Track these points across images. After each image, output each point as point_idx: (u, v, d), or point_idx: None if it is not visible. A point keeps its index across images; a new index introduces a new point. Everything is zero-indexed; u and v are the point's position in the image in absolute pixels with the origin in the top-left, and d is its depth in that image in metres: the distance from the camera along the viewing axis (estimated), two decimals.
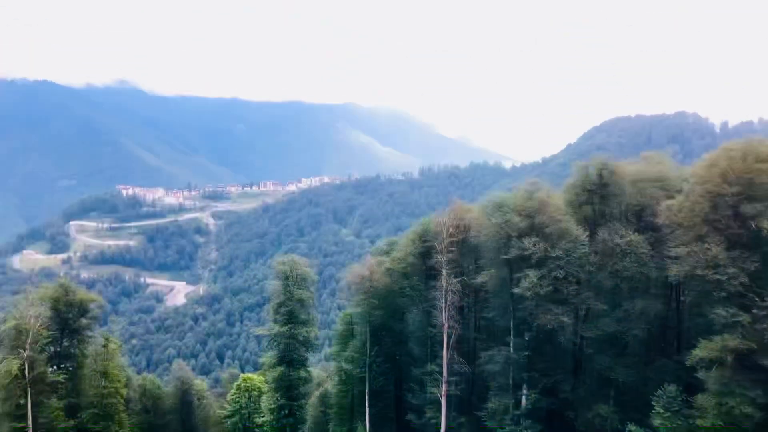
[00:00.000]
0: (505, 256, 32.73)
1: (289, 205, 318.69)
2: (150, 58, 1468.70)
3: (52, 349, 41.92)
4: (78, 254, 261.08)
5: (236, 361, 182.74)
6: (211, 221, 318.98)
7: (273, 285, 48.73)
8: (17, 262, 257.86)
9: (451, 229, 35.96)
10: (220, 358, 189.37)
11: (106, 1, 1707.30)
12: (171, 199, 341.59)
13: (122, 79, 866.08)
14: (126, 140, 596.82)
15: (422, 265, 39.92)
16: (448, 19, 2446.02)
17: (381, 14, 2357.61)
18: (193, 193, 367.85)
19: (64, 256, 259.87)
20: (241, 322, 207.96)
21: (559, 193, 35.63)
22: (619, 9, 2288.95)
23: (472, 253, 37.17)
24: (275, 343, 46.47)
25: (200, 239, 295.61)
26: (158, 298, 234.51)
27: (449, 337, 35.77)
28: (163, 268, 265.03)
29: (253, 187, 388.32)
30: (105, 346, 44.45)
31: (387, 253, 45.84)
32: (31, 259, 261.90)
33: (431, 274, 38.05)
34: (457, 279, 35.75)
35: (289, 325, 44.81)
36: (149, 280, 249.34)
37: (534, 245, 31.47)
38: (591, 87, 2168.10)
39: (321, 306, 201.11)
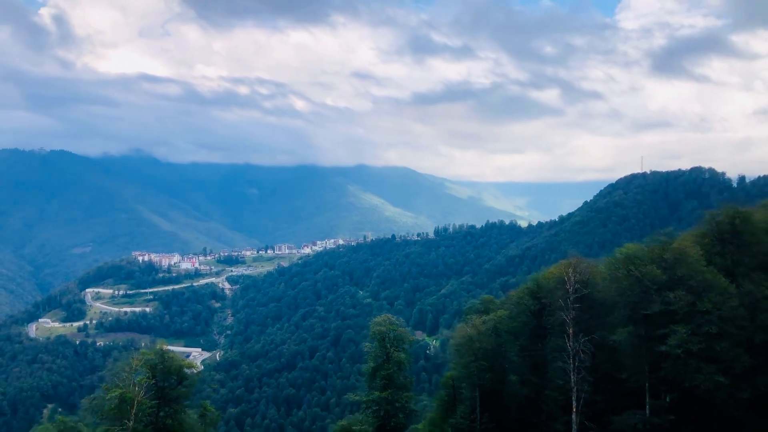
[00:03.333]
0: (644, 312, 30.54)
1: (304, 267, 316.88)
2: (163, 127, 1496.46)
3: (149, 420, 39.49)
4: (94, 321, 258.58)
5: (256, 429, 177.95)
6: (226, 285, 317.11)
7: (369, 347, 46.62)
8: (33, 330, 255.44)
9: (576, 285, 33.50)
10: (239, 425, 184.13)
11: (119, 79, 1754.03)
12: (186, 265, 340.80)
13: (137, 148, 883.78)
14: (141, 207, 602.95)
15: (535, 324, 37.43)
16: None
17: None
18: (208, 257, 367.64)
19: (80, 323, 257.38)
20: (260, 388, 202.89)
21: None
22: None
23: (597, 309, 34.61)
24: (371, 411, 43.47)
25: (216, 304, 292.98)
26: None
27: (578, 400, 33.32)
28: (179, 334, 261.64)
29: (268, 251, 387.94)
30: (202, 415, 42.22)
31: (485, 311, 43.59)
32: (47, 327, 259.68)
33: (543, 333, 35.68)
34: (586, 337, 33.22)
35: (389, 390, 41.87)
36: (165, 347, 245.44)
37: (679, 299, 29.35)
38: (600, 144, 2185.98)
39: (341, 371, 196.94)
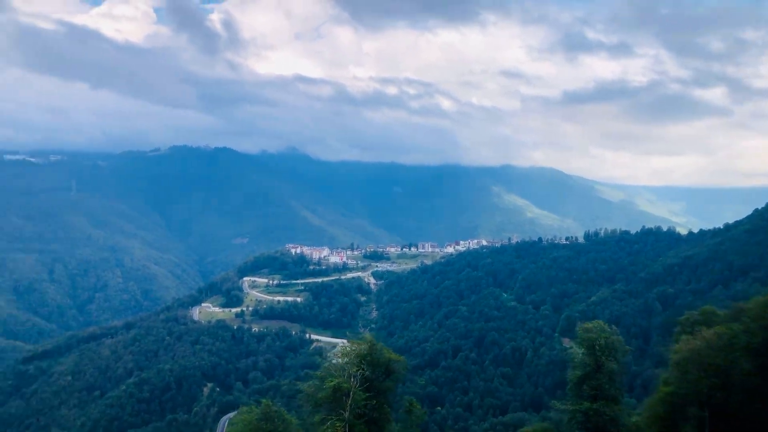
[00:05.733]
0: None
1: (447, 267, 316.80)
2: (316, 126, 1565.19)
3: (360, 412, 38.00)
4: (250, 308, 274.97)
5: (397, 424, 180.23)
6: (371, 280, 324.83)
7: (575, 354, 43.63)
8: (196, 313, 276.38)
9: None
10: None
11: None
12: (335, 258, 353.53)
13: (292, 146, 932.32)
14: (293, 202, 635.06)
15: None
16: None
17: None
18: (355, 252, 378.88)
19: (237, 309, 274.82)
20: (403, 384, 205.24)
21: None
22: None
23: None
24: (577, 422, 40.49)
25: (361, 298, 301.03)
26: (322, 355, 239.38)
27: None
28: (326, 324, 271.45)
29: (411, 249, 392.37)
30: (408, 411, 40.53)
31: (704, 323, 40.07)
32: (209, 311, 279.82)
33: None
34: None
35: (600, 402, 38.68)
36: (314, 337, 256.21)
37: None
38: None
39: (483, 372, 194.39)
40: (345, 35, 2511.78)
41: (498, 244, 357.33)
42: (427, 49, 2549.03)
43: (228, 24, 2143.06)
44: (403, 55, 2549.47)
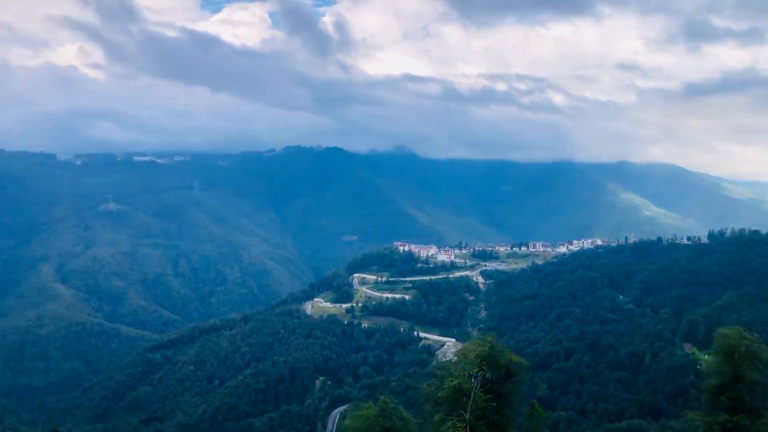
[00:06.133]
0: None
1: (559, 267, 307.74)
2: (424, 124, 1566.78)
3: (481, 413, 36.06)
4: (359, 304, 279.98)
5: (519, 428, 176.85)
6: (480, 279, 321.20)
7: (710, 361, 40.64)
8: (309, 308, 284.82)
9: None
10: None
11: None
12: (443, 257, 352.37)
13: (400, 145, 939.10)
14: (401, 200, 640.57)
15: None
16: None
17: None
18: (463, 251, 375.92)
19: (347, 305, 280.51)
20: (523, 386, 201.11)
21: None
22: None
23: None
24: None
25: (470, 297, 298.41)
26: (430, 353, 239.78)
27: None
28: (434, 323, 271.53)
29: (522, 248, 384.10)
30: (531, 415, 38.26)
31: None
32: (320, 306, 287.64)
33: None
34: None
35: (740, 414, 35.31)
36: (422, 334, 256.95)
37: None
38: None
39: (597, 376, 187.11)
40: (453, 33, 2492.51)
41: (614, 244, 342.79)
42: (538, 43, 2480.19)
43: (340, 26, 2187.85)
44: (512, 51, 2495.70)
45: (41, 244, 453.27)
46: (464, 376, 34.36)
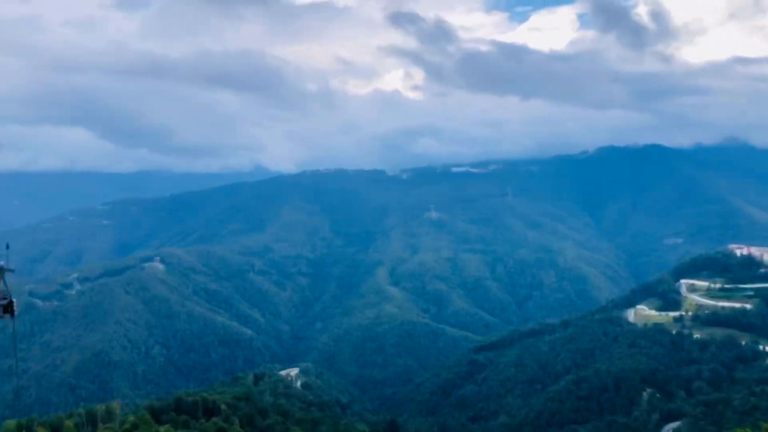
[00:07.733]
0: None
1: None
2: (759, 110, 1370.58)
3: None
4: (689, 313, 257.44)
5: None
6: None
7: None
8: (631, 315, 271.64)
9: None
10: None
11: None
12: None
13: (731, 136, 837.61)
14: (733, 198, 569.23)
15: None
16: None
17: None
18: None
19: (675, 314, 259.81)
20: None
21: None
22: None
23: None
24: None
25: None
26: None
27: None
28: None
29: None
30: None
31: None
32: (643, 314, 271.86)
33: None
34: None
35: None
36: (767, 348, 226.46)
37: None
38: None
39: None
40: None
41: None
42: None
43: (655, 14, 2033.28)
44: None
45: (377, 251, 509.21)
46: None
